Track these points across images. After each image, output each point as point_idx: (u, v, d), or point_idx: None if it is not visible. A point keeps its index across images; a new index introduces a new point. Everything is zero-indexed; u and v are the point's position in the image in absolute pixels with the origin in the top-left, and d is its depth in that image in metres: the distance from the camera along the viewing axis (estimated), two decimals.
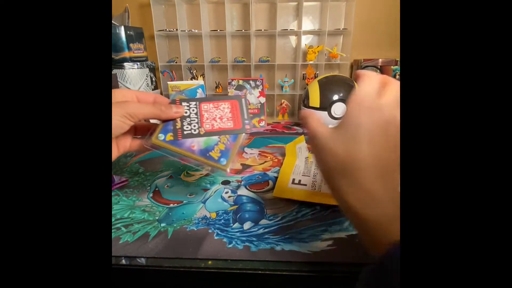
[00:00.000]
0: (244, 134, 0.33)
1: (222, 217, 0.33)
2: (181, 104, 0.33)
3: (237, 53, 0.89)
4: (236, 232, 0.30)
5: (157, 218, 0.33)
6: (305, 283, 0.26)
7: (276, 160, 0.50)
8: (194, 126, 0.32)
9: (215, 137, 0.33)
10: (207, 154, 0.31)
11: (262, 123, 0.71)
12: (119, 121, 0.28)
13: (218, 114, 0.33)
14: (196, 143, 0.32)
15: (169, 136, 0.33)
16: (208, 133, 0.32)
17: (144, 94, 0.33)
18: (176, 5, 0.78)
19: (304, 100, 0.65)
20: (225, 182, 0.42)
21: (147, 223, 0.32)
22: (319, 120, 0.24)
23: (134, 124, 0.30)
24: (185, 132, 0.32)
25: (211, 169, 0.33)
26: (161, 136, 0.31)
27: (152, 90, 0.77)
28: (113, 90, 0.31)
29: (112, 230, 0.31)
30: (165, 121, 0.32)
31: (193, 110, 0.33)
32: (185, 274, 0.26)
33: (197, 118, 0.33)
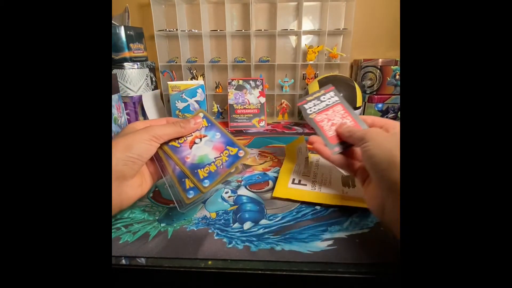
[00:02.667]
0: (241, 164, 0.32)
1: (222, 217, 0.33)
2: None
3: (237, 53, 0.89)
4: (236, 232, 0.30)
5: (157, 218, 0.33)
6: (305, 283, 0.25)
7: (276, 160, 0.50)
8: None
9: (211, 157, 0.32)
10: (195, 170, 0.31)
11: (262, 123, 0.71)
12: (147, 144, 0.29)
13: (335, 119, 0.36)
14: (191, 156, 0.32)
15: (172, 142, 0.33)
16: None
17: (155, 120, 0.34)
18: (176, 5, 0.78)
19: None
20: (225, 182, 0.42)
21: (147, 223, 0.32)
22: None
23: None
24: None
25: (175, 201, 0.30)
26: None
27: (152, 90, 0.77)
28: (124, 128, 0.32)
29: (112, 230, 0.31)
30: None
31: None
32: (185, 274, 0.26)
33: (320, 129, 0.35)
